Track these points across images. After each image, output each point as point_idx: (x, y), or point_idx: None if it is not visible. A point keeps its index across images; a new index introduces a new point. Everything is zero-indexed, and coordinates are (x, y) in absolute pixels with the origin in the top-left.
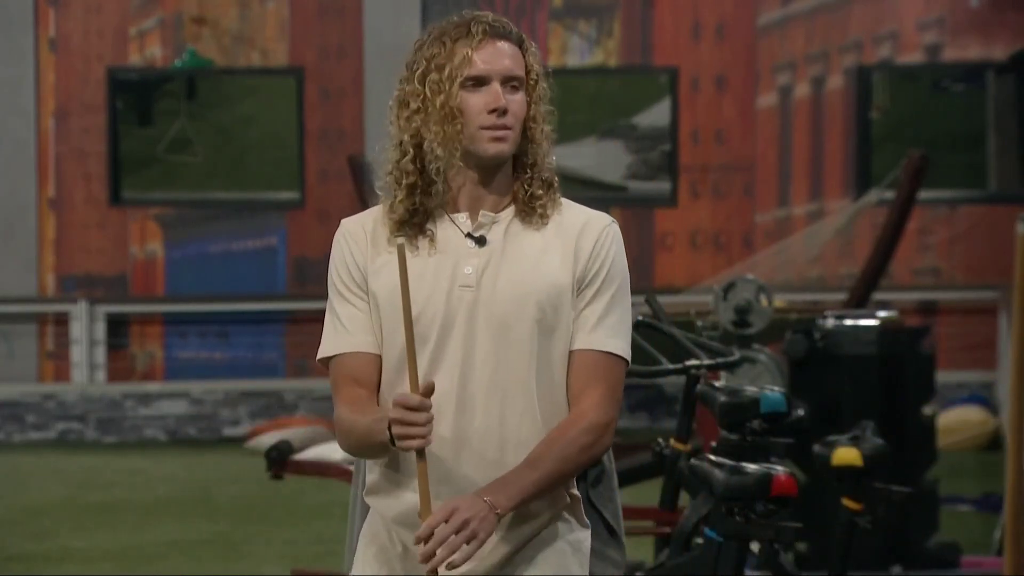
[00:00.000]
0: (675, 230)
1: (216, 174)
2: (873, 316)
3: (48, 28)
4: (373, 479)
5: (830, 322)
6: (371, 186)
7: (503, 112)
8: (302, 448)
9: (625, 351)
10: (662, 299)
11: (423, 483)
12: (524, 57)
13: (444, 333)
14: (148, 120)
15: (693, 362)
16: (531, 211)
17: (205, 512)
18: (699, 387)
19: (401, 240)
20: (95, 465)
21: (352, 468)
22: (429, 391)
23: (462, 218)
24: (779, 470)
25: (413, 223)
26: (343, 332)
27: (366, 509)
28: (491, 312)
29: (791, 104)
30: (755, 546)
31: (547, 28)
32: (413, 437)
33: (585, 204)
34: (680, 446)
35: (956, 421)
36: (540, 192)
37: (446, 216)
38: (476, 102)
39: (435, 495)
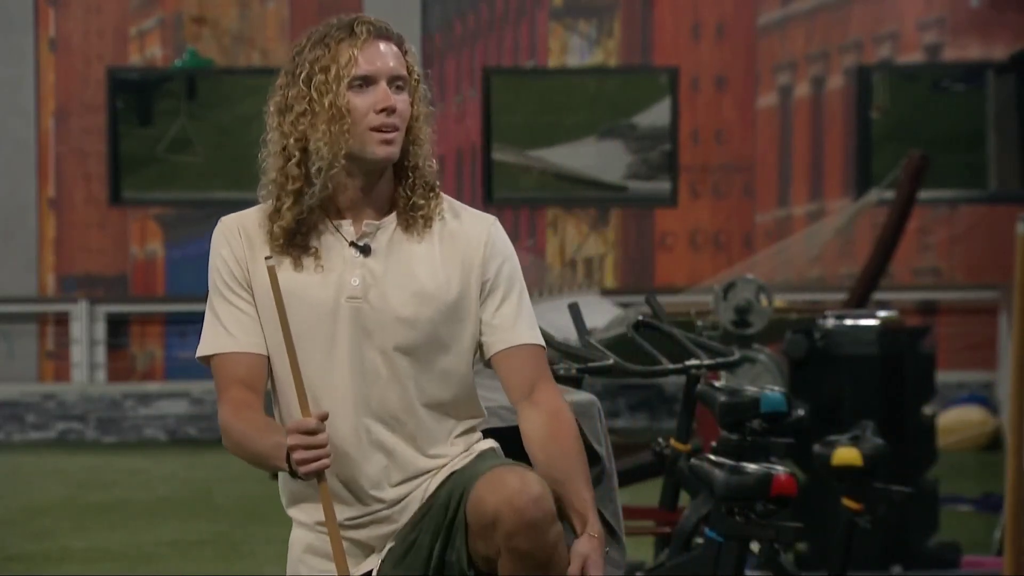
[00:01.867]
0: (675, 230)
1: (217, 174)
2: (873, 316)
3: (48, 28)
4: (290, 491)
5: (830, 322)
6: None
7: (392, 111)
8: None
9: (541, 339)
10: (662, 299)
11: (327, 504)
12: (405, 57)
13: (332, 343)
14: (148, 120)
15: (693, 362)
16: (414, 219)
17: (206, 512)
18: (699, 387)
19: (271, 262)
20: (95, 465)
21: None
22: (323, 417)
23: (346, 225)
24: (779, 470)
25: (297, 234)
26: (225, 332)
27: None
28: (381, 322)
29: (791, 104)
30: (755, 546)
31: (547, 28)
32: (315, 460)
33: (585, 203)
34: (680, 446)
35: (956, 421)
36: (422, 200)
37: (329, 223)
38: (363, 102)
39: (343, 495)
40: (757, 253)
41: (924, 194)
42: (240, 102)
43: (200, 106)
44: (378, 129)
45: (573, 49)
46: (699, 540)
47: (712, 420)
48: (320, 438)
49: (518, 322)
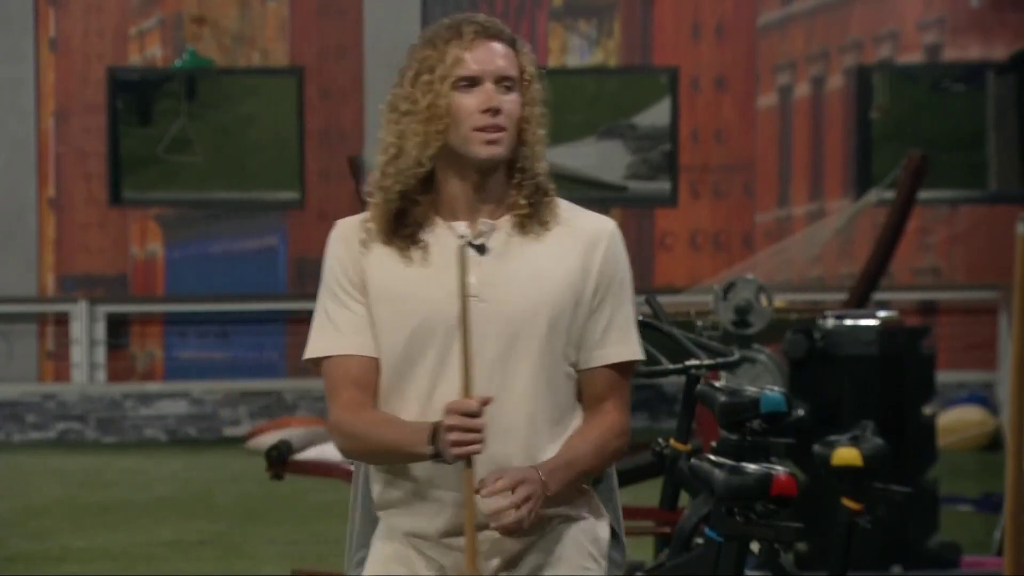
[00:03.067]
0: (675, 230)
1: (216, 174)
2: (873, 316)
3: (48, 28)
4: (385, 494)
5: (830, 322)
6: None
7: (496, 112)
8: (302, 448)
9: (638, 352)
10: (662, 299)
11: (469, 493)
12: (517, 58)
13: (448, 343)
14: (148, 120)
15: (693, 362)
16: (528, 219)
17: (205, 512)
18: (699, 387)
19: (464, 244)
20: (95, 465)
21: (352, 468)
22: (486, 402)
23: (461, 226)
24: (779, 470)
25: (404, 231)
26: (338, 334)
27: (366, 509)
28: (498, 322)
29: (791, 104)
30: (755, 546)
31: (547, 28)
32: (471, 443)
33: (585, 204)
34: (680, 446)
35: (956, 421)
36: (534, 199)
37: (442, 222)
38: (469, 103)
39: (442, 503)
40: (757, 253)
41: (924, 194)
42: (240, 102)
43: (200, 106)
44: (482, 129)
45: (573, 49)
46: (699, 540)
47: (712, 420)
48: (479, 422)
49: (613, 335)
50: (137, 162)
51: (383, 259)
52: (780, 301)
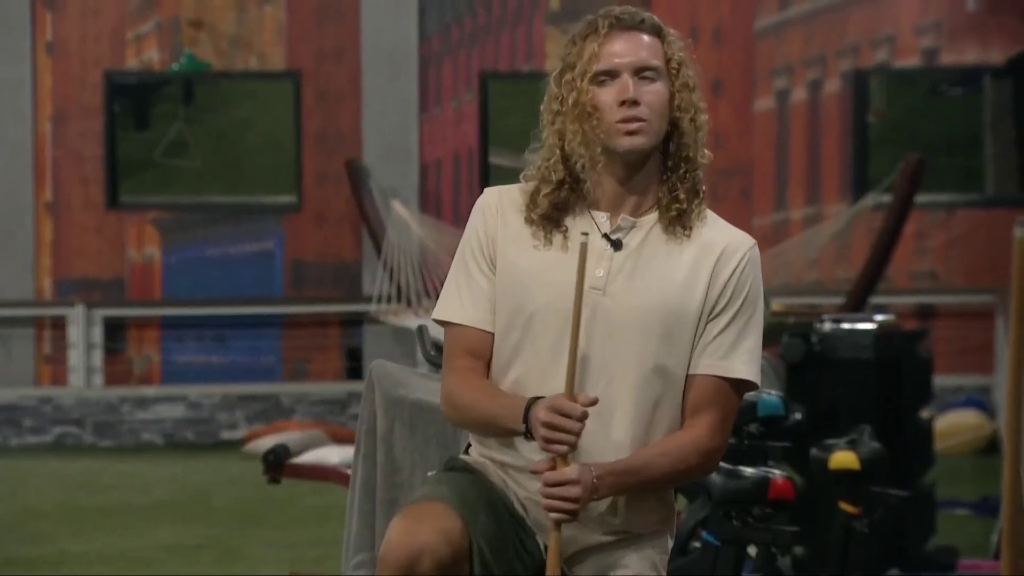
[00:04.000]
0: None
1: (213, 178)
2: (870, 320)
3: (45, 32)
4: (501, 454)
5: (827, 326)
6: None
7: (633, 103)
8: (299, 452)
9: (755, 376)
10: None
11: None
12: (662, 46)
13: (564, 332)
14: (145, 124)
15: None
16: (674, 222)
17: (202, 516)
18: None
19: (585, 238)
20: (92, 469)
21: (349, 472)
22: (591, 403)
23: (602, 217)
24: (776, 474)
25: (550, 213)
26: (466, 303)
27: (363, 512)
28: (614, 319)
29: (788, 108)
30: (752, 550)
31: (543, 32)
32: (562, 444)
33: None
34: None
35: (953, 425)
36: (683, 198)
37: (587, 213)
38: (607, 96)
39: (533, 447)
40: None
41: (921, 198)
42: (237, 106)
43: (197, 110)
44: (622, 121)
45: None
46: (696, 544)
47: None
48: (575, 425)
49: (731, 352)
50: (134, 166)
51: (520, 237)
52: (777, 304)
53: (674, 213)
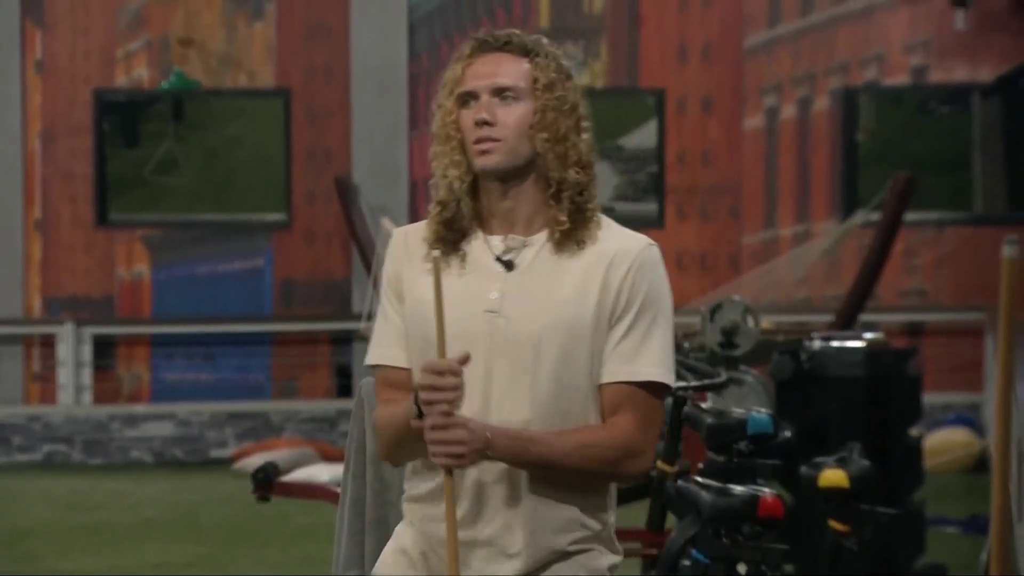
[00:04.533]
0: (662, 251)
1: (203, 195)
2: (859, 338)
3: (35, 50)
4: (413, 488)
5: (816, 343)
6: (358, 207)
7: (485, 123)
8: (288, 470)
9: (664, 376)
10: None
11: (448, 495)
12: (530, 66)
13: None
14: (135, 142)
15: (680, 384)
16: (565, 237)
17: (191, 534)
18: (686, 409)
19: (437, 253)
20: (81, 487)
21: (338, 490)
22: (464, 361)
23: (495, 240)
24: (766, 492)
25: (447, 240)
26: (384, 344)
27: (352, 531)
28: (512, 340)
29: (777, 126)
30: (742, 568)
31: None
32: (440, 402)
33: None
34: (667, 467)
35: (943, 443)
36: (564, 219)
37: (481, 236)
38: (467, 117)
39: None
40: (743, 274)
41: (910, 216)
42: (227, 124)
43: (187, 128)
44: (476, 142)
45: None
46: (686, 562)
47: (699, 441)
48: (451, 380)
49: (636, 356)
50: (123, 184)
51: (421, 269)
52: (767, 323)
53: (558, 235)
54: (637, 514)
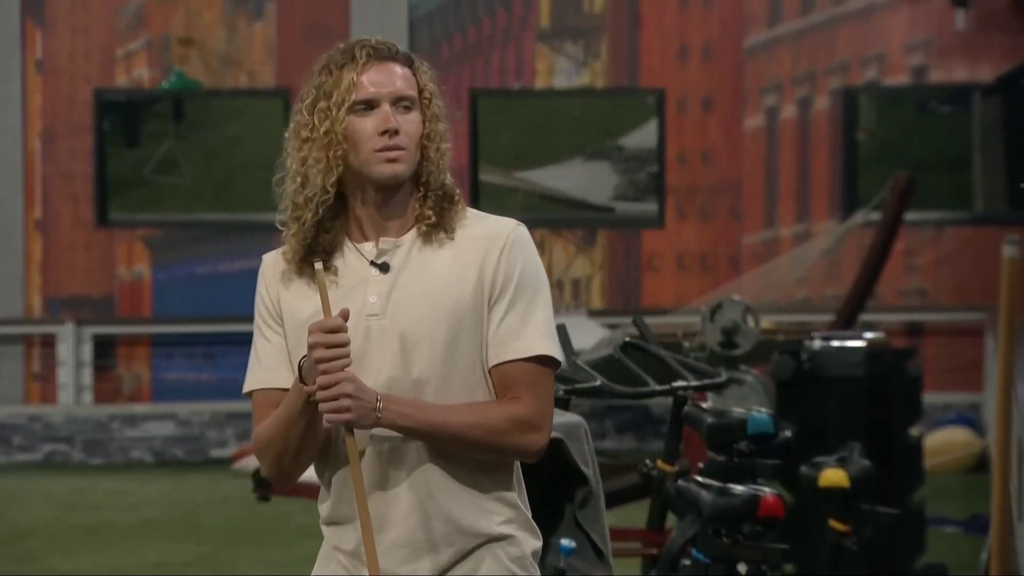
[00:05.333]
0: (662, 251)
1: (203, 195)
2: (860, 337)
3: (35, 50)
4: (327, 509)
5: (817, 343)
6: None
7: (394, 133)
8: None
9: (550, 349)
10: (649, 320)
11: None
12: (415, 76)
13: (358, 364)
14: (135, 141)
15: (680, 383)
16: (434, 228)
17: (192, 534)
18: (686, 408)
19: (319, 264)
20: (82, 487)
21: None
22: (346, 316)
23: (367, 247)
24: (766, 491)
25: (317, 253)
26: (262, 368)
27: None
28: (396, 338)
29: (778, 125)
30: (742, 567)
31: (534, 50)
32: (330, 359)
33: (572, 224)
34: (667, 467)
35: (943, 442)
36: (434, 211)
37: (352, 245)
38: (367, 126)
39: (353, 522)
40: (744, 274)
41: (910, 216)
42: (227, 123)
43: (187, 128)
44: (382, 150)
45: (560, 71)
46: (686, 562)
47: (699, 441)
48: (341, 337)
49: (520, 335)
50: (124, 183)
51: (297, 288)
52: (767, 322)
53: (433, 222)
54: (637, 514)
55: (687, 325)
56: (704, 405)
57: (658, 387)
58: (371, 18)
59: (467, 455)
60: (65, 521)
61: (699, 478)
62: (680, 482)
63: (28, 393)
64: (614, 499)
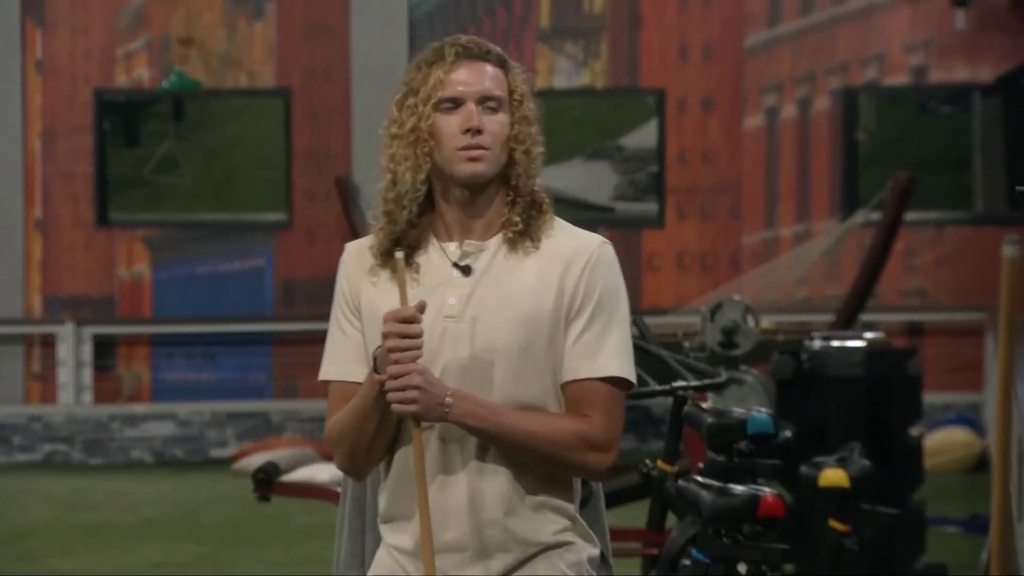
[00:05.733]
0: (662, 251)
1: (203, 195)
2: (860, 337)
3: (35, 49)
4: (384, 504)
5: (817, 343)
6: (359, 207)
7: (477, 132)
8: (289, 469)
9: (625, 371)
10: (649, 320)
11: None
12: (506, 77)
13: (430, 364)
14: (135, 141)
15: (680, 383)
16: (520, 236)
17: (192, 534)
18: (686, 408)
19: (400, 254)
20: (82, 487)
21: (339, 489)
22: (422, 309)
23: (452, 247)
24: (766, 491)
25: (398, 248)
26: (338, 359)
27: (353, 531)
28: (475, 342)
29: (778, 125)
30: (742, 567)
31: (534, 49)
32: (404, 349)
33: (573, 224)
34: (667, 467)
35: (943, 442)
36: (522, 217)
37: (436, 244)
38: (451, 124)
39: (412, 520)
40: (744, 274)
41: (910, 216)
42: (227, 123)
43: (187, 128)
44: (464, 149)
45: (560, 71)
46: (686, 562)
47: (699, 441)
48: (415, 328)
49: (596, 354)
50: (124, 183)
51: (378, 282)
52: (767, 322)
53: (520, 229)
54: (637, 514)
55: (687, 325)
56: (704, 405)
57: (658, 387)
58: (371, 18)
59: (530, 464)
60: (65, 521)
61: (699, 478)
62: (680, 482)
63: (28, 393)
64: (614, 499)
